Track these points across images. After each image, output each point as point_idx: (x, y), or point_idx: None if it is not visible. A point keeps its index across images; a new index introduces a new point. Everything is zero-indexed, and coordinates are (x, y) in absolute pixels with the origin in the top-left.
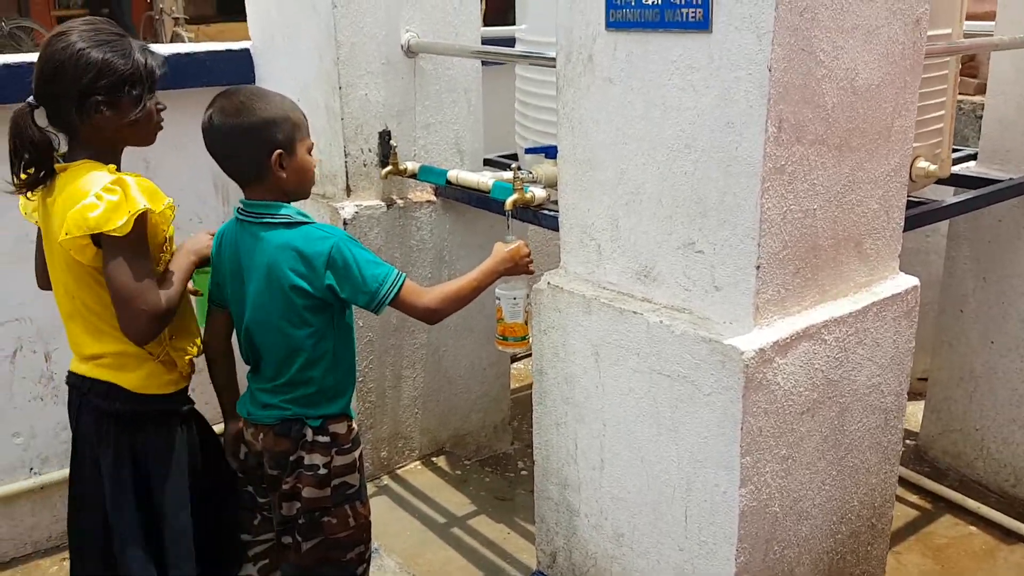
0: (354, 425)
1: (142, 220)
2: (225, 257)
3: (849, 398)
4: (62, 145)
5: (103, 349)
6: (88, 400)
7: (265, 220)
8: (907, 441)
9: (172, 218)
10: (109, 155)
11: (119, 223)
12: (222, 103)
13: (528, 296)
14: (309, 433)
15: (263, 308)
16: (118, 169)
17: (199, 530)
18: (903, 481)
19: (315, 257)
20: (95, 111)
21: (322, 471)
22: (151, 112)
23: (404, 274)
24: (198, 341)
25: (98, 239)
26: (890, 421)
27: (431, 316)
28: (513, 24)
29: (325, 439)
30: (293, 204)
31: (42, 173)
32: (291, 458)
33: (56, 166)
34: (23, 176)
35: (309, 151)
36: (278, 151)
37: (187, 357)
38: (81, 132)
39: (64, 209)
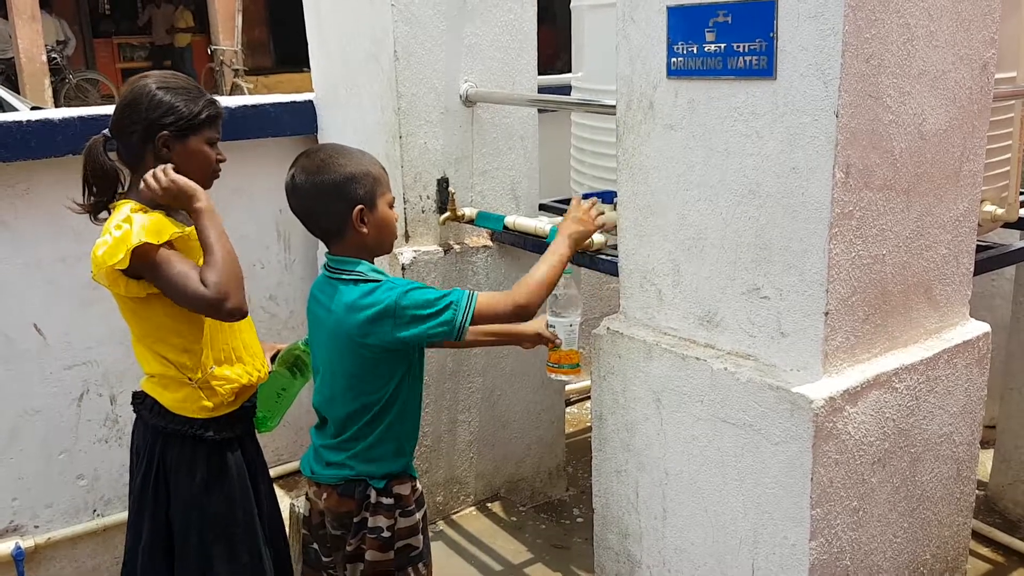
0: (418, 485)
1: (142, 251)
2: (310, 309)
3: (920, 448)
4: (127, 183)
5: (151, 369)
6: (141, 413)
7: (342, 276)
8: (977, 491)
9: (197, 254)
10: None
11: (119, 257)
12: (304, 162)
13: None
14: (373, 494)
15: (333, 362)
16: (170, 213)
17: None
18: (973, 533)
19: (380, 313)
20: (160, 146)
21: (386, 534)
22: (208, 157)
23: (475, 292)
24: (251, 370)
25: (128, 271)
26: (962, 471)
27: (523, 312)
28: (561, 71)
29: (389, 501)
30: (375, 260)
31: (104, 200)
32: (355, 520)
33: (111, 204)
34: (90, 201)
35: (390, 205)
36: (359, 206)
37: (229, 387)
38: (141, 168)
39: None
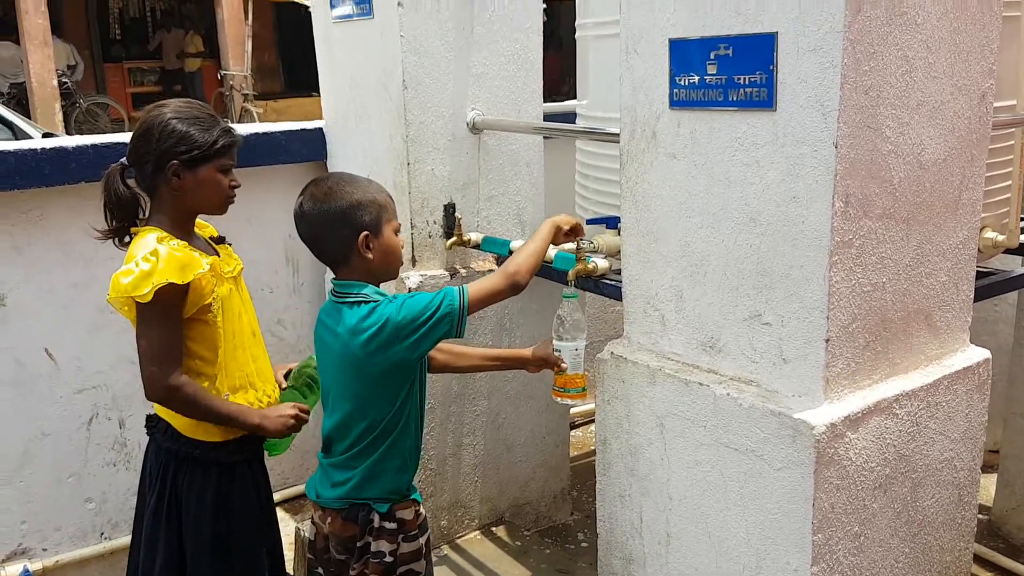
0: (421, 510)
1: (164, 292)
2: (317, 334)
3: (922, 473)
4: (148, 210)
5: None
6: (154, 436)
7: (347, 300)
8: (979, 516)
9: (217, 283)
10: (180, 221)
11: (144, 291)
12: (312, 190)
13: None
14: (376, 519)
15: (341, 385)
16: (189, 236)
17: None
18: (976, 558)
19: (381, 331)
20: (171, 175)
21: (388, 559)
22: (220, 184)
23: (464, 286)
24: (262, 396)
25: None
26: (964, 497)
27: (516, 279)
28: (567, 95)
29: (392, 525)
30: (381, 286)
31: (124, 226)
32: (358, 544)
33: (133, 229)
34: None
35: (396, 232)
36: (364, 232)
37: None
38: (157, 196)
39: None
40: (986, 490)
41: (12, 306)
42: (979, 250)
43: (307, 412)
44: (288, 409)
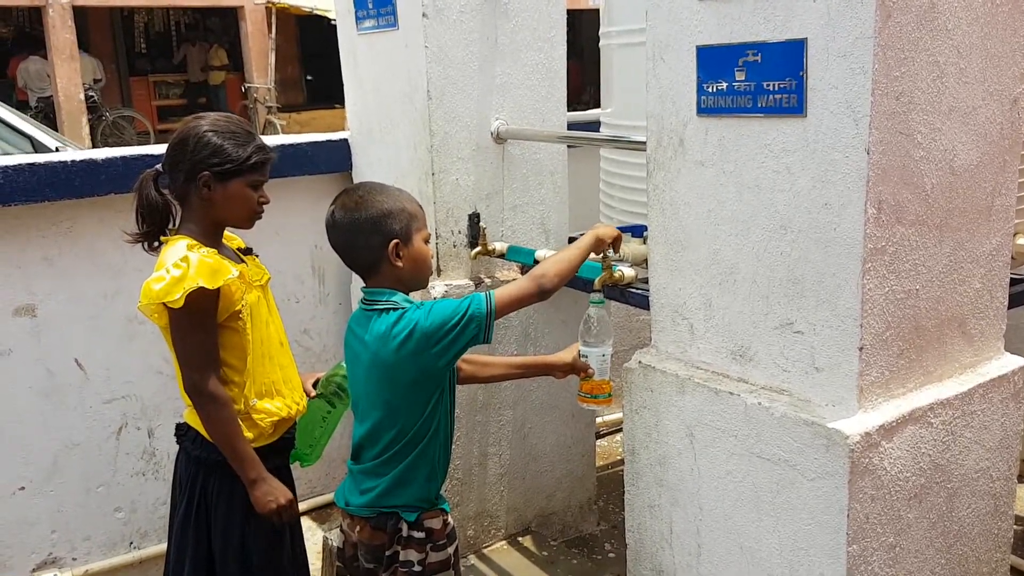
0: (449, 520)
1: (195, 296)
2: (347, 343)
3: (957, 483)
4: (178, 218)
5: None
6: (184, 444)
7: (376, 307)
8: (1015, 527)
9: (246, 290)
10: (209, 232)
11: (175, 297)
12: (343, 199)
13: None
14: (405, 528)
15: (371, 394)
16: (218, 246)
17: None
18: (1014, 570)
19: (411, 337)
20: (201, 186)
21: (416, 568)
22: (249, 199)
23: (490, 291)
24: (290, 403)
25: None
26: (1000, 507)
27: (543, 283)
28: (587, 104)
29: (420, 535)
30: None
31: (154, 231)
32: (387, 553)
33: (162, 237)
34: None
35: (426, 241)
36: (395, 240)
37: (269, 420)
38: (188, 204)
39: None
40: (1021, 500)
41: (42, 317)
42: (1013, 257)
43: (296, 511)
44: (283, 497)
